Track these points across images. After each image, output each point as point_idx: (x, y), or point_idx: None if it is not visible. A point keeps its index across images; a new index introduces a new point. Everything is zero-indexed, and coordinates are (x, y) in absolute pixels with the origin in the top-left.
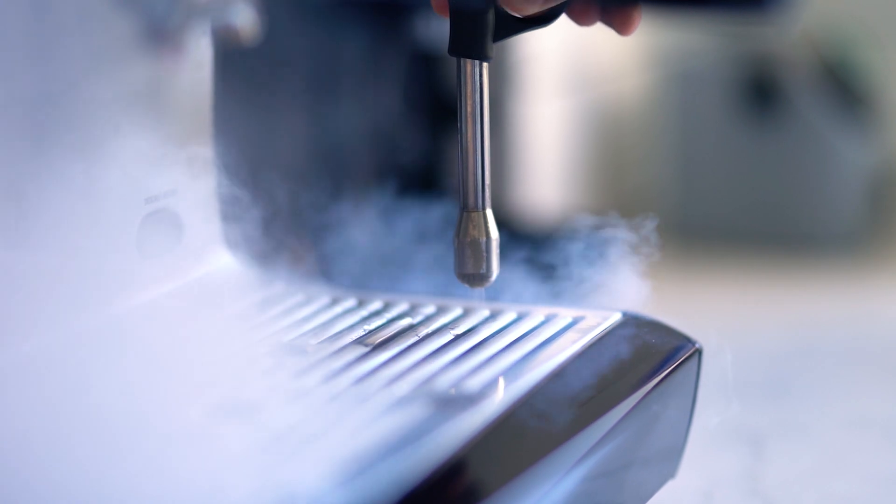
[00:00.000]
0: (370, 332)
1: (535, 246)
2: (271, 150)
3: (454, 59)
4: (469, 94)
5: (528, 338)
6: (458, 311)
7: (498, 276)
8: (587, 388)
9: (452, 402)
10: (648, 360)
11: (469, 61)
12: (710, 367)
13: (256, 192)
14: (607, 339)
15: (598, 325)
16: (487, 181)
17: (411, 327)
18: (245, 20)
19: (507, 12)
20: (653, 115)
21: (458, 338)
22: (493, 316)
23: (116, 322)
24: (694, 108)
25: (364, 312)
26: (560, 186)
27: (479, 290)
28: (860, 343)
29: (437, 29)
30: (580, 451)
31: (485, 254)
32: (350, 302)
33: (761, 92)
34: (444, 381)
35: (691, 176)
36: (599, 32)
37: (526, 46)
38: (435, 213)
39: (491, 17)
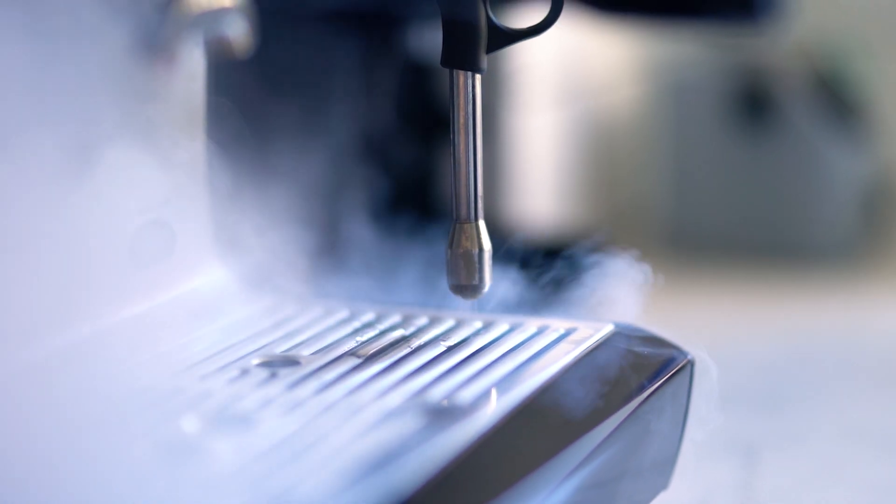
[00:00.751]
0: (362, 343)
1: (527, 257)
2: (264, 162)
3: (447, 71)
4: (462, 105)
5: (520, 349)
6: (450, 323)
7: (490, 287)
8: (579, 399)
9: (445, 414)
10: (641, 372)
11: (462, 73)
12: (703, 378)
13: (248, 204)
14: (599, 350)
15: (591, 336)
16: (480, 192)
17: (403, 339)
18: (237, 32)
19: (499, 24)
20: (646, 126)
21: (450, 349)
22: (485, 327)
23: (106, 333)
24: (687, 120)
25: (356, 324)
26: (553, 197)
27: (472, 302)
28: (854, 353)
29: (429, 40)
30: (572, 462)
31: (477, 265)
32: (342, 313)
33: (755, 103)
34: (437, 393)
35: (685, 187)
36: (593, 43)
37: (519, 57)
38: (427, 226)
39: (483, 28)
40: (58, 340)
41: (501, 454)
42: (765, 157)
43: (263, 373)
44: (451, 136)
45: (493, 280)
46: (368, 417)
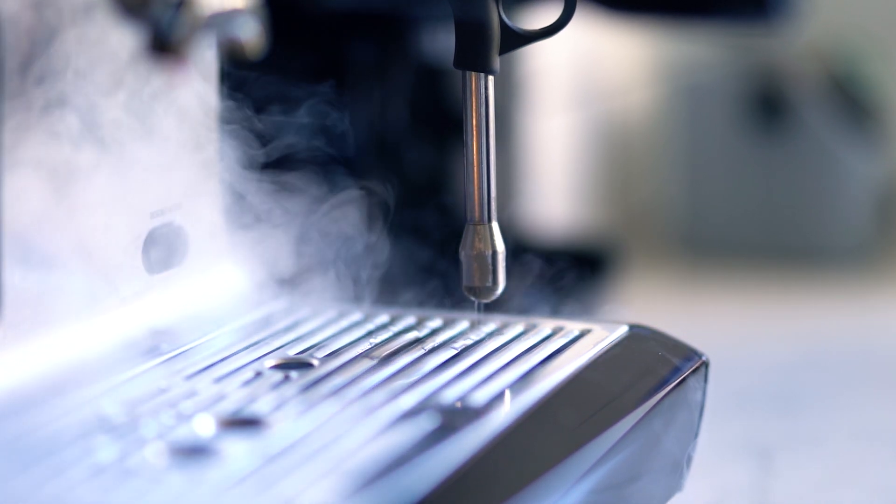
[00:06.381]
0: (376, 345)
1: (541, 259)
2: (277, 163)
3: (460, 72)
4: (475, 106)
5: (534, 351)
6: (464, 325)
7: (504, 290)
8: (593, 401)
9: (458, 416)
10: (655, 373)
11: (475, 74)
12: (717, 380)
13: (261, 207)
14: (614, 352)
15: (605, 338)
16: (493, 194)
17: (417, 340)
18: (250, 33)
19: (512, 25)
20: (660, 128)
21: (464, 351)
22: (499, 329)
23: (119, 334)
24: (701, 122)
25: (370, 326)
26: (567, 200)
27: (485, 303)
28: (868, 355)
29: (442, 42)
30: (586, 464)
31: (491, 267)
32: (356, 316)
33: (768, 105)
34: (450, 395)
35: (699, 189)
36: (607, 45)
37: (533, 60)
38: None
39: (496, 29)
40: (70, 342)
41: (515, 456)
42: (779, 159)
43: (277, 375)
44: (464, 138)
45: (507, 282)
46: (382, 419)
